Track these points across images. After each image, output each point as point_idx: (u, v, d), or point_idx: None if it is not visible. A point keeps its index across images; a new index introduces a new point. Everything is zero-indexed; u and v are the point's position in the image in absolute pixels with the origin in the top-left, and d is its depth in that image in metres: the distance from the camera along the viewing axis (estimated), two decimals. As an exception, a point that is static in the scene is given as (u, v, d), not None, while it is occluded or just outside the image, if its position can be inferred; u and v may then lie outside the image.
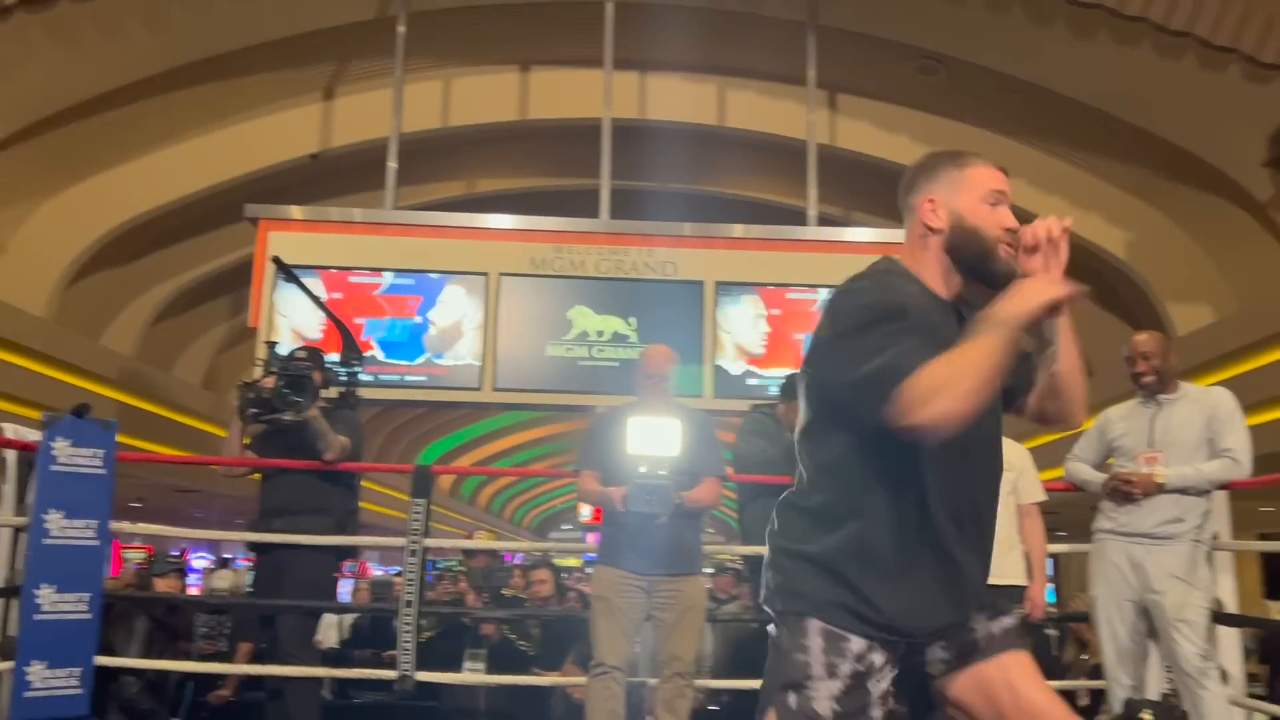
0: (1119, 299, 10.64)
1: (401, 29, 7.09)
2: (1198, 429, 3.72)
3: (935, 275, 1.73)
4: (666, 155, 9.16)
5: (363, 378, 5.07)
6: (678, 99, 8.78)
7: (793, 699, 1.61)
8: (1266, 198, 8.49)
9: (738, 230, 6.67)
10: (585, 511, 25.51)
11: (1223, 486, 3.80)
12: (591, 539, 14.43)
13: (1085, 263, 10.13)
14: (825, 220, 7.74)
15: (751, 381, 6.30)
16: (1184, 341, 8.78)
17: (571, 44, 8.39)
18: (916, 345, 1.54)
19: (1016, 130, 9.13)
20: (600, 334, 6.27)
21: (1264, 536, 18.88)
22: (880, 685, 1.63)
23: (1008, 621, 1.71)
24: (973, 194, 1.71)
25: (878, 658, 1.62)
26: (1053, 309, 1.57)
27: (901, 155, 8.75)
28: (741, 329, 6.38)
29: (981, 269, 1.69)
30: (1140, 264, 9.64)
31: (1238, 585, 4.24)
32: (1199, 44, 7.52)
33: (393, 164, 6.89)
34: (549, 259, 6.35)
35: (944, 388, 1.46)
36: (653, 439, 3.48)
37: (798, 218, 7.52)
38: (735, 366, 6.33)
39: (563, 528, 35.28)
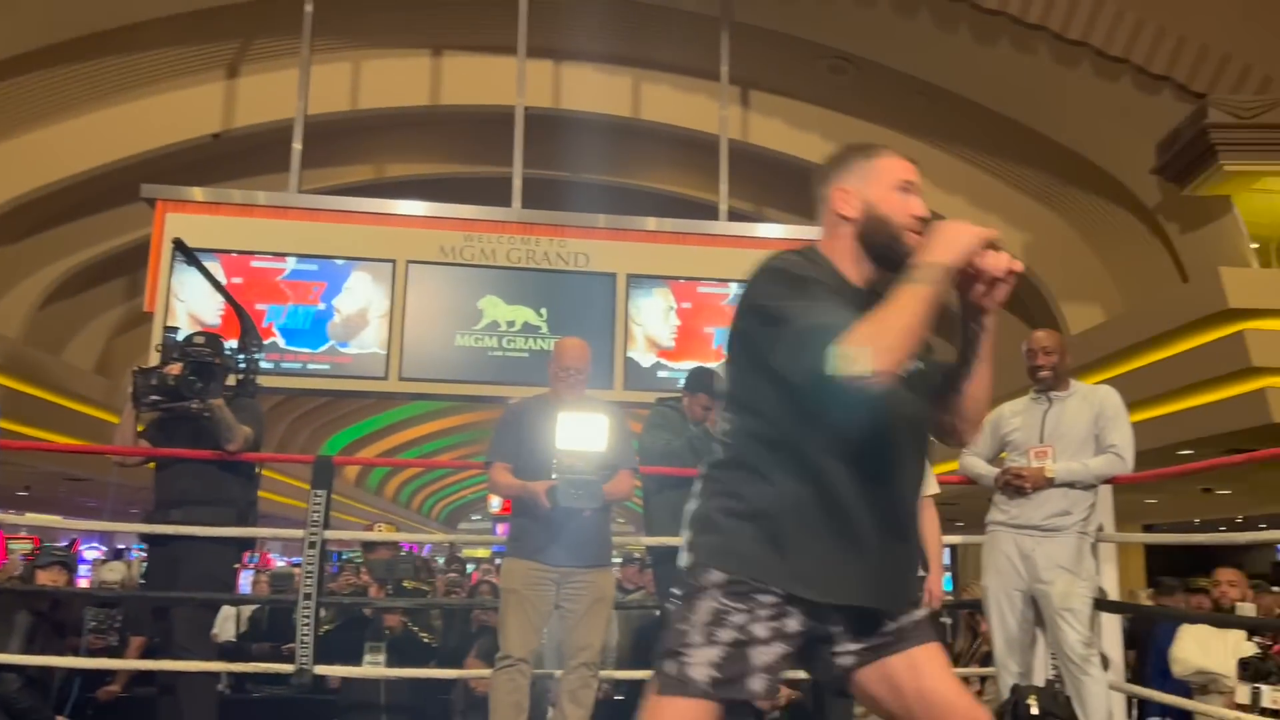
0: (1017, 298, 10.99)
1: (309, 8, 6.92)
2: (1086, 425, 3.87)
3: (848, 263, 1.76)
4: (580, 146, 9.14)
5: (263, 365, 4.94)
6: (592, 89, 8.77)
7: (671, 666, 1.65)
8: (1154, 204, 8.87)
9: (650, 223, 6.70)
10: (495, 502, 25.35)
11: (1107, 481, 3.96)
12: (502, 530, 14.31)
13: (985, 262, 10.43)
14: (737, 215, 7.82)
15: (661, 374, 6.34)
16: (1076, 340, 9.12)
17: (486, 30, 8.30)
18: (839, 306, 1.60)
19: (922, 131, 9.35)
20: (510, 324, 6.23)
21: (1148, 528, 19.79)
22: (764, 657, 1.63)
23: (917, 614, 1.74)
24: (883, 183, 1.75)
25: (761, 630, 1.63)
26: (971, 253, 1.60)
27: (812, 153, 8.89)
28: (652, 321, 6.41)
29: (890, 255, 1.71)
30: (1037, 265, 9.97)
31: (1123, 574, 4.42)
32: (1094, 53, 7.81)
33: (298, 146, 6.72)
34: (459, 247, 6.28)
35: (874, 340, 1.49)
36: (581, 434, 3.48)
37: (710, 212, 7.58)
38: (645, 359, 6.37)
39: (472, 518, 34.99)
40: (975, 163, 9.57)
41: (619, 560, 7.45)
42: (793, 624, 1.65)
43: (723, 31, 7.57)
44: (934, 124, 9.27)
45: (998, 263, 1.64)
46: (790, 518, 1.63)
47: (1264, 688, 3.20)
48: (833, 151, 1.86)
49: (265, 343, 5.91)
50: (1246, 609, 4.25)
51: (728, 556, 1.66)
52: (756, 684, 1.63)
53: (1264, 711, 3.19)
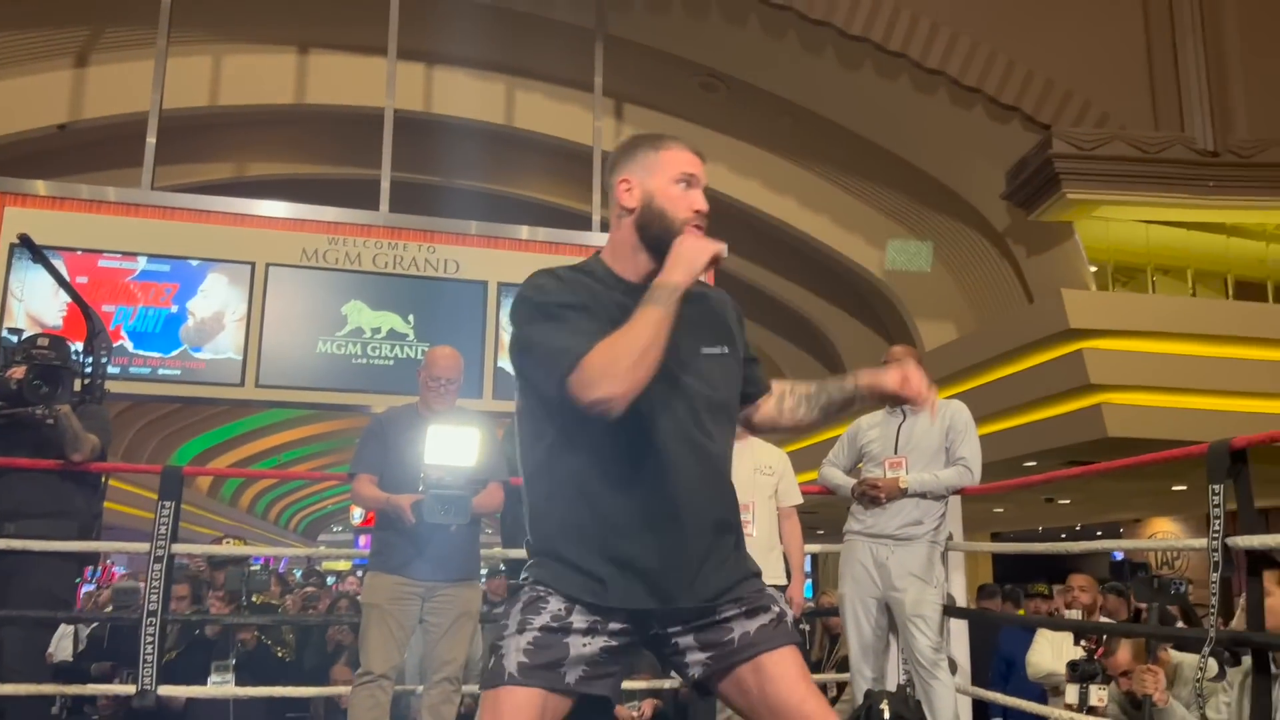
0: (875, 314, 11.40)
1: (166, -3, 6.63)
2: (937, 438, 4.03)
3: (626, 256, 1.76)
4: (453, 151, 9.04)
5: (110, 369, 4.69)
6: (466, 95, 8.68)
7: (492, 660, 1.66)
8: (1004, 227, 9.35)
9: (523, 231, 6.65)
10: (357, 514, 24.68)
11: (957, 491, 4.14)
12: (364, 542, 13.95)
13: (848, 280, 10.81)
14: (609, 226, 7.85)
15: (530, 383, 6.30)
16: (930, 356, 9.51)
17: (355, 29, 8.11)
18: (589, 327, 1.61)
19: (789, 151, 9.62)
20: (376, 331, 6.09)
21: (996, 536, 20.77)
22: (584, 649, 1.65)
23: (764, 619, 1.70)
24: (665, 175, 1.73)
25: (580, 621, 1.65)
26: (710, 265, 1.66)
27: (683, 167, 9.01)
28: (522, 331, 6.36)
29: (666, 249, 1.69)
30: (894, 283, 10.36)
31: (971, 580, 4.62)
32: (950, 82, 8.19)
33: (152, 140, 6.41)
34: (323, 250, 6.10)
35: (612, 364, 1.53)
36: (451, 448, 3.39)
37: (583, 222, 7.60)
38: (514, 368, 6.32)
39: (333, 530, 34.00)
40: (838, 183, 9.89)
41: (486, 573, 7.35)
42: (613, 624, 1.67)
43: (597, 44, 7.60)
44: (800, 144, 9.53)
45: (919, 390, 1.85)
46: (565, 531, 1.68)
47: (1091, 687, 3.40)
48: (621, 142, 1.84)
49: (113, 346, 5.62)
50: (1073, 614, 4.49)
51: (536, 576, 1.71)
52: (573, 676, 1.63)
53: (1091, 710, 3.39)
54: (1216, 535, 2.97)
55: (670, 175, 1.73)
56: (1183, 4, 8.65)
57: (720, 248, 1.66)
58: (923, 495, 3.95)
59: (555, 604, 1.66)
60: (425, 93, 8.55)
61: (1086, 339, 8.41)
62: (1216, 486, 3.00)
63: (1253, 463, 3.00)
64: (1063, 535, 21.44)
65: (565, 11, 8.14)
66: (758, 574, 1.79)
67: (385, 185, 6.58)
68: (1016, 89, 8.19)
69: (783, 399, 1.92)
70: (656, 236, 1.72)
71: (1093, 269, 9.32)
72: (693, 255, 1.64)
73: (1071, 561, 19.94)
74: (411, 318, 6.14)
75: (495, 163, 9.65)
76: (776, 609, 1.73)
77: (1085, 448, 9.02)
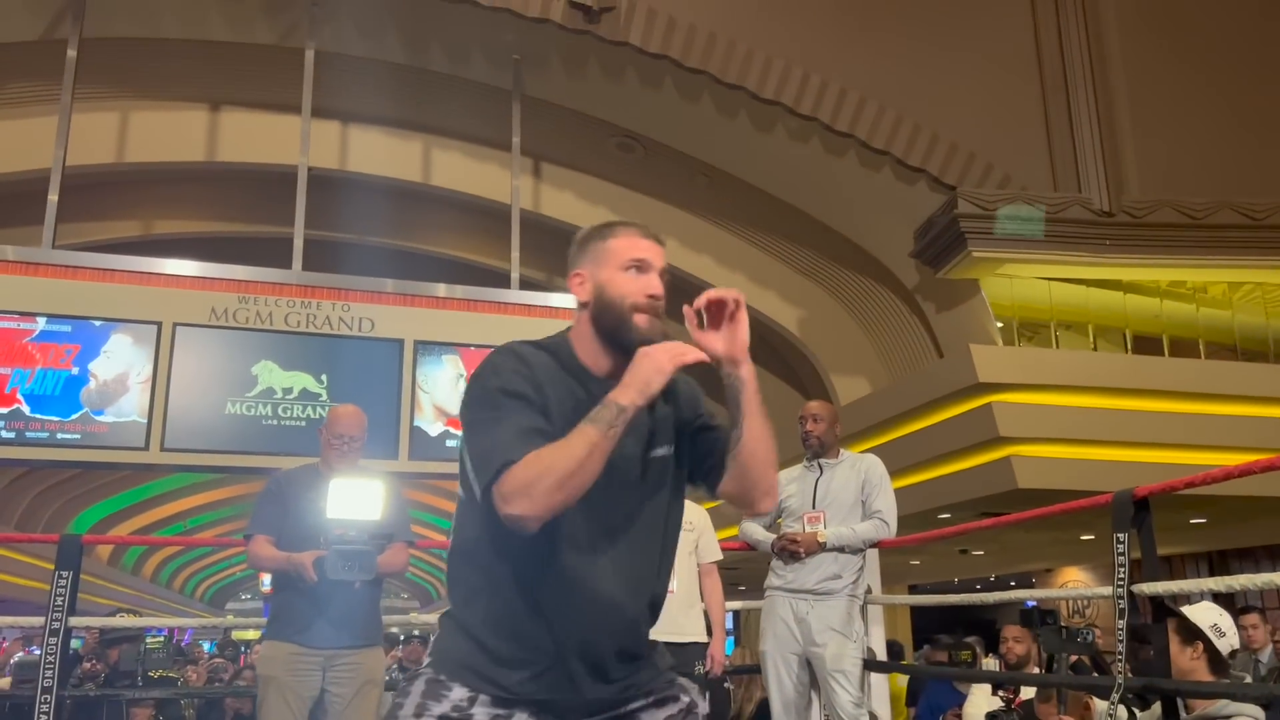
0: (791, 370, 11.57)
1: (72, 53, 6.49)
2: (854, 492, 4.08)
3: (588, 350, 1.69)
4: (368, 209, 8.97)
5: (3, 434, 4.49)
6: (381, 153, 8.65)
7: None
8: (913, 284, 9.60)
9: (440, 289, 6.61)
10: (267, 580, 23.87)
11: (874, 545, 4.18)
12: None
13: (764, 336, 10.96)
14: (528, 284, 7.86)
15: (450, 443, 6.21)
16: (845, 410, 9.65)
17: (268, 87, 8.05)
18: (528, 428, 1.53)
19: (705, 210, 9.78)
20: (288, 391, 5.96)
21: (913, 588, 21.02)
22: None
23: (672, 709, 1.70)
24: (613, 264, 1.67)
25: (482, 713, 1.60)
26: (663, 383, 1.55)
27: (601, 226, 9.10)
28: (441, 389, 6.29)
29: (620, 340, 1.64)
30: (809, 339, 10.54)
31: (890, 632, 4.65)
32: (859, 145, 8.44)
33: (54, 198, 6.24)
34: (233, 309, 5.97)
35: (534, 483, 1.46)
36: (354, 502, 3.31)
37: (501, 280, 7.58)
38: (433, 427, 6.23)
39: (241, 597, 32.83)
40: (753, 241, 10.07)
41: (401, 637, 7.16)
42: (518, 716, 1.62)
43: (515, 104, 7.67)
44: (716, 203, 9.70)
45: (704, 296, 1.62)
46: (480, 613, 1.63)
47: (1010, 737, 3.44)
48: (577, 234, 1.77)
49: (8, 410, 5.38)
50: (989, 663, 4.55)
51: (441, 661, 1.64)
52: None
53: (1013, 760, 3.42)
54: (1122, 583, 3.04)
55: (619, 263, 1.67)
56: (1076, 73, 9.10)
57: (690, 357, 1.56)
58: (841, 549, 3.98)
59: (458, 692, 1.60)
60: (340, 150, 8.50)
61: (995, 393, 8.64)
62: (1121, 535, 3.08)
63: (1154, 511, 3.10)
64: (978, 586, 21.80)
65: (482, 72, 8.20)
66: (671, 666, 1.77)
67: (298, 243, 6.49)
68: (923, 151, 8.48)
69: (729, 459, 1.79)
70: (610, 329, 1.65)
71: (999, 325, 9.61)
72: (648, 376, 1.54)
73: (987, 612, 20.27)
74: (325, 377, 6.03)
75: (412, 220, 9.61)
76: (686, 699, 1.72)
77: (997, 499, 9.22)
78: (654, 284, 1.67)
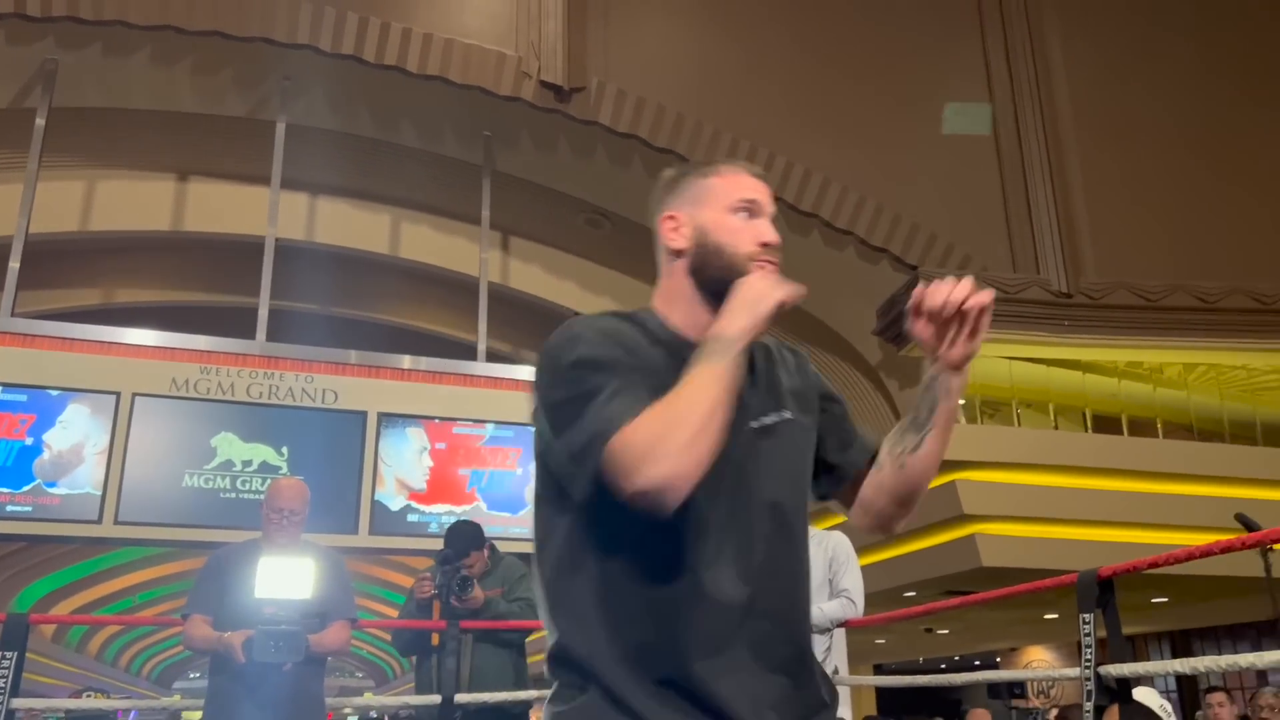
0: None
1: (40, 121, 6.49)
2: (821, 570, 4.05)
3: (683, 311, 1.39)
4: (333, 280, 8.95)
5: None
6: (349, 224, 8.67)
7: None
8: (876, 361, 9.70)
9: (405, 361, 6.58)
10: (219, 657, 23.12)
11: (841, 624, 4.14)
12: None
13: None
14: (495, 356, 7.85)
15: (412, 517, 6.12)
16: (812, 487, 9.63)
17: (237, 158, 8.07)
18: (633, 390, 1.22)
19: (672, 286, 9.83)
20: (247, 463, 5.86)
21: (878, 667, 20.82)
22: None
23: None
24: (718, 204, 1.39)
25: None
26: (771, 318, 1.28)
27: (570, 300, 9.14)
28: (404, 462, 6.22)
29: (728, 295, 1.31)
30: (776, 415, 10.54)
31: (856, 712, 4.58)
32: (823, 224, 8.59)
33: (15, 265, 6.17)
34: (193, 380, 5.90)
35: (662, 440, 1.15)
36: (283, 581, 3.22)
37: (468, 352, 7.56)
38: (395, 501, 6.14)
39: (190, 676, 31.79)
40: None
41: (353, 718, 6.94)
42: None
43: (485, 179, 7.74)
44: (683, 279, 9.76)
45: (955, 295, 1.30)
46: (618, 671, 1.21)
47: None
48: (666, 172, 1.51)
49: (-46, 480, 5.25)
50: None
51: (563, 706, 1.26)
52: None
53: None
54: (1089, 664, 3.03)
55: (726, 204, 1.39)
56: (1033, 157, 9.36)
57: (795, 290, 1.30)
58: (808, 629, 3.94)
59: None
60: (308, 221, 8.51)
61: (959, 470, 8.68)
62: (1086, 615, 3.08)
63: (1117, 590, 3.10)
64: (943, 665, 21.64)
65: (454, 148, 8.29)
66: (832, 702, 1.38)
67: (263, 313, 6.46)
68: (885, 232, 8.64)
69: (886, 459, 1.44)
70: (716, 279, 1.35)
71: (961, 402, 9.71)
72: (757, 297, 1.28)
73: (953, 692, 20.09)
74: (286, 450, 5.95)
75: (379, 292, 9.60)
76: None
77: (962, 577, 9.21)
78: (769, 230, 1.39)
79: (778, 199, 8.39)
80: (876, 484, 1.43)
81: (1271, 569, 3.20)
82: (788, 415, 1.39)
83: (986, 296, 1.31)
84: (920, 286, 1.32)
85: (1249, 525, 3.05)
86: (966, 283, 1.30)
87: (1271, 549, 3.01)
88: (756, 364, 1.40)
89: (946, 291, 1.30)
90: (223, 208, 8.31)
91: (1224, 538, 2.82)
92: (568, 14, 7.82)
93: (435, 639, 4.00)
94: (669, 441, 1.15)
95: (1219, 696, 5.67)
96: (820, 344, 10.08)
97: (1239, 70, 9.87)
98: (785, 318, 1.35)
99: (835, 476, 1.47)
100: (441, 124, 8.14)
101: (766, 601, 1.29)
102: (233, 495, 5.78)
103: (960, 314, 1.31)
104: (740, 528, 1.29)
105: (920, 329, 1.34)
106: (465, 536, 4.14)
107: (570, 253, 9.41)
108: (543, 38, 7.64)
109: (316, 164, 8.01)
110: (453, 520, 6.56)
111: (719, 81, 8.48)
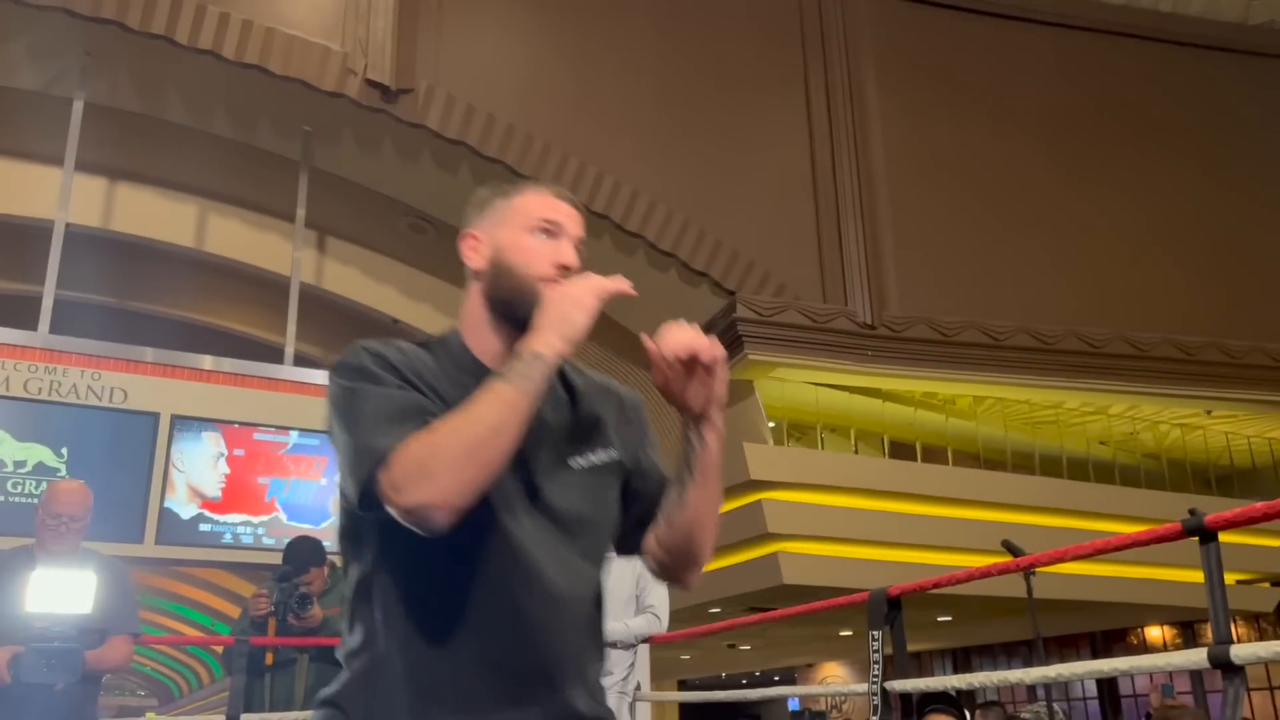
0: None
1: None
2: (628, 587, 4.09)
3: (479, 335, 1.34)
4: (129, 271, 8.39)
5: None
6: (150, 213, 8.15)
7: None
8: (694, 383, 9.89)
9: (206, 361, 6.23)
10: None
11: (646, 639, 4.18)
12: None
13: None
14: (303, 360, 7.54)
15: (204, 527, 5.78)
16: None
17: (27, 135, 7.46)
18: (410, 406, 1.19)
19: (495, 297, 9.75)
20: (20, 464, 5.39)
21: (683, 683, 21.18)
22: None
23: None
24: (518, 225, 1.34)
25: None
26: (587, 327, 1.23)
27: (389, 305, 8.90)
28: (198, 469, 5.87)
29: (519, 318, 1.26)
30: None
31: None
32: (648, 245, 8.73)
33: None
34: (-38, 372, 5.39)
35: (432, 458, 1.11)
36: (58, 593, 2.96)
37: (276, 354, 7.24)
38: (186, 510, 5.79)
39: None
40: (542, 331, 10.10)
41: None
42: None
43: (302, 175, 7.46)
44: (506, 292, 9.70)
45: (680, 344, 1.24)
46: (375, 692, 1.22)
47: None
48: (478, 191, 1.44)
49: None
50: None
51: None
52: None
53: None
54: (876, 679, 3.17)
55: (526, 224, 1.33)
56: (846, 195, 9.83)
57: (615, 285, 1.25)
58: (614, 645, 3.96)
59: None
60: (104, 208, 7.95)
61: (765, 490, 8.96)
62: (876, 633, 3.23)
63: (906, 609, 3.27)
64: (744, 680, 22.24)
65: (270, 140, 7.95)
66: None
67: (48, 303, 5.99)
68: (707, 256, 8.86)
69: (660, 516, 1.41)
70: (505, 301, 1.30)
71: (770, 425, 10.04)
72: (568, 309, 1.21)
73: (754, 707, 20.65)
74: (65, 450, 5.51)
75: (182, 287, 9.06)
76: None
77: (764, 594, 9.49)
78: (566, 252, 1.33)
79: (604, 216, 8.48)
80: (656, 539, 1.40)
81: (1033, 591, 3.45)
82: (606, 457, 1.36)
83: (719, 349, 1.26)
84: (649, 338, 1.27)
85: (1014, 551, 3.29)
86: (696, 330, 1.26)
87: (1034, 572, 3.25)
88: (582, 396, 1.38)
89: (681, 339, 1.25)
90: (8, 187, 7.66)
91: (1001, 560, 3.03)
92: (398, 13, 7.65)
93: (270, 658, 3.81)
94: (437, 460, 1.11)
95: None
96: (641, 362, 10.21)
97: (1034, 125, 10.69)
98: (607, 337, 1.34)
99: (632, 537, 1.43)
100: (258, 115, 7.80)
101: (553, 640, 1.26)
102: (1, 499, 5.30)
103: (695, 361, 1.25)
104: (525, 563, 1.25)
105: (657, 378, 1.27)
106: (305, 552, 3.96)
107: (391, 257, 9.18)
108: (370, 35, 7.44)
109: (117, 147, 7.51)
110: (251, 531, 6.25)
111: (552, 97, 8.49)
